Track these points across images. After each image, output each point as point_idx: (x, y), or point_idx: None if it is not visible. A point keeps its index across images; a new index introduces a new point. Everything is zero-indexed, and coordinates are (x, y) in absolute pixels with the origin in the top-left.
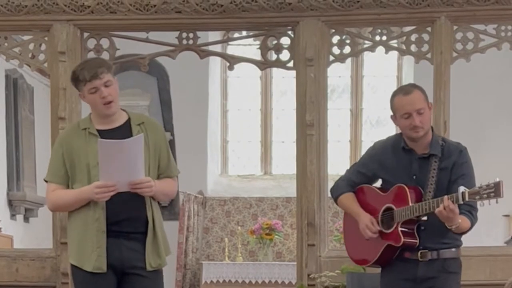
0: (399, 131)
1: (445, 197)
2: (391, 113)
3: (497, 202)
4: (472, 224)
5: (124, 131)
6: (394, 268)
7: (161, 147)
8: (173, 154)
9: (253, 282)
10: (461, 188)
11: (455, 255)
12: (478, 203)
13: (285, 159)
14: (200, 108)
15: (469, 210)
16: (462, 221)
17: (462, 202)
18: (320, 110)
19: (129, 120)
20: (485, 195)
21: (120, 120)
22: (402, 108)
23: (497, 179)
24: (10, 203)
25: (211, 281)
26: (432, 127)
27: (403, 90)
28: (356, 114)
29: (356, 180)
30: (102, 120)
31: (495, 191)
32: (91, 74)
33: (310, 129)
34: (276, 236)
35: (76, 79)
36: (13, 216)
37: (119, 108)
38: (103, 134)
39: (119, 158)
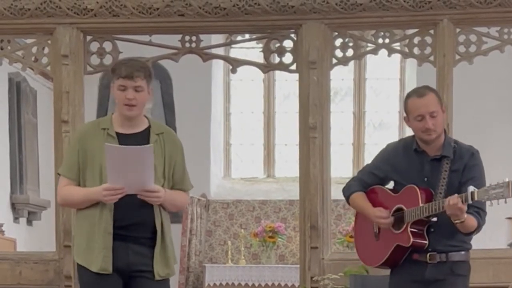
0: (404, 134)
1: (456, 195)
2: (405, 115)
3: (506, 202)
4: (479, 225)
5: (142, 138)
6: (403, 269)
7: (176, 160)
8: None
9: (256, 285)
10: (471, 188)
11: (464, 258)
12: (487, 203)
13: (288, 162)
14: (203, 111)
15: (477, 211)
16: (468, 219)
17: (471, 202)
18: (323, 113)
19: (149, 128)
20: (493, 195)
21: (140, 126)
22: (415, 110)
23: (507, 179)
24: (13, 206)
25: (214, 284)
26: (445, 130)
27: (417, 92)
28: (359, 117)
29: (368, 181)
30: (123, 123)
31: (504, 191)
32: (126, 72)
33: (313, 132)
34: (279, 239)
35: (113, 71)
36: (16, 219)
37: (142, 115)
38: (121, 137)
39: (126, 163)
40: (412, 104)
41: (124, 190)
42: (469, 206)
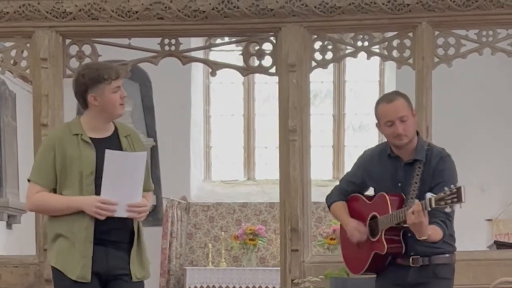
0: (384, 137)
1: (416, 201)
2: (376, 121)
3: (460, 207)
4: (444, 235)
5: (114, 142)
6: (387, 273)
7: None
8: (156, 160)
9: (237, 287)
10: (428, 195)
11: (447, 261)
12: (457, 206)
13: (268, 164)
14: (183, 114)
15: (444, 220)
16: (434, 231)
17: (429, 209)
18: (303, 116)
19: (116, 131)
20: (449, 201)
21: (109, 129)
22: (385, 116)
23: (458, 184)
24: None
25: (195, 287)
26: (418, 132)
27: (386, 98)
28: (338, 120)
29: (348, 189)
30: (94, 127)
31: (457, 196)
32: (117, 73)
33: (293, 134)
34: (260, 242)
35: (100, 78)
36: None
37: None
38: (96, 142)
39: (122, 171)
40: (382, 110)
41: (115, 210)
42: (436, 214)
